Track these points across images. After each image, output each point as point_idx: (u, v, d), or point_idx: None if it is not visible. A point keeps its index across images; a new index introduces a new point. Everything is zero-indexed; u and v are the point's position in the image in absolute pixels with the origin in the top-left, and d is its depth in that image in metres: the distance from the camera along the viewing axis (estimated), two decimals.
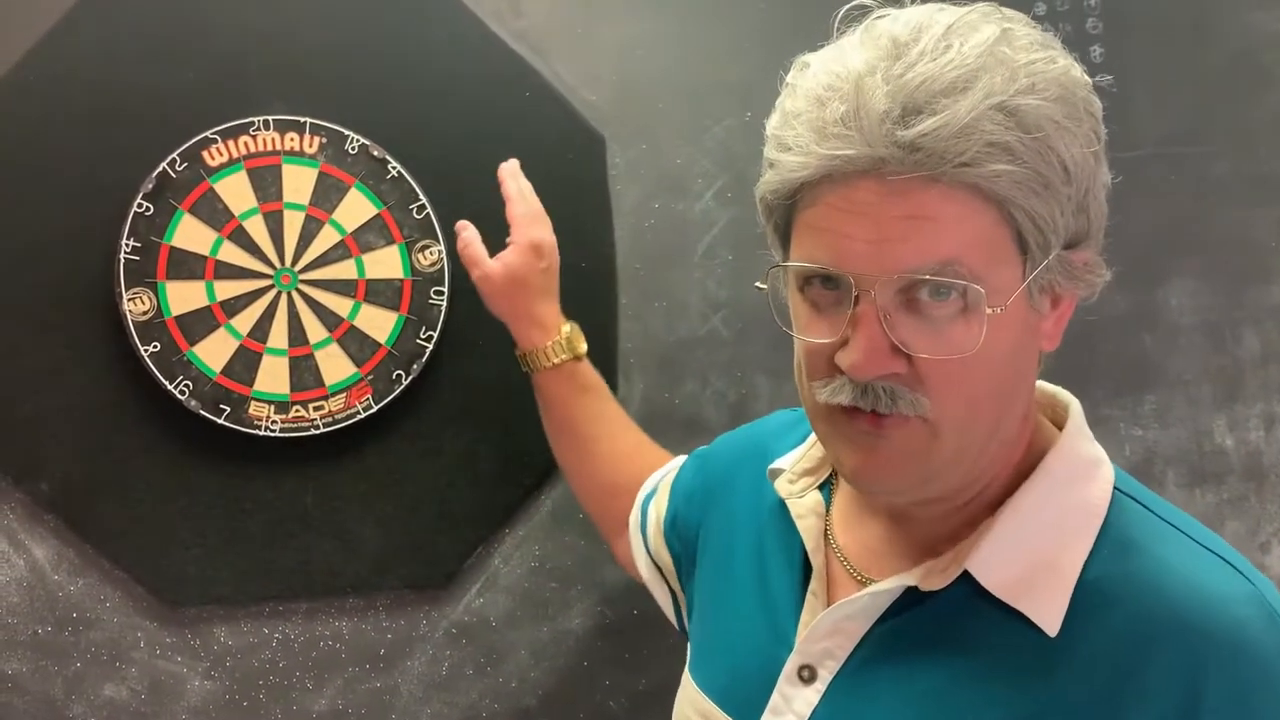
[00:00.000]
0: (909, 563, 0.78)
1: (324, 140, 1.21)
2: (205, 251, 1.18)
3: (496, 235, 1.26)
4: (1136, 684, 0.68)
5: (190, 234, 1.18)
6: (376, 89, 1.23)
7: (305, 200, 1.21)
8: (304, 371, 1.21)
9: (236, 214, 1.19)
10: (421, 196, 1.24)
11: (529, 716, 1.32)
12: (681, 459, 1.12)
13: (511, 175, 1.17)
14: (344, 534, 1.25)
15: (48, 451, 1.16)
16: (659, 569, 1.06)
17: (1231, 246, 1.52)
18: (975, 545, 0.73)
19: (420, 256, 1.24)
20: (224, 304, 1.19)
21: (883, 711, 0.75)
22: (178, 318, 1.18)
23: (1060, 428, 0.79)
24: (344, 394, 1.23)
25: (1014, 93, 0.66)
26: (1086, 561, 0.72)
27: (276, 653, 1.25)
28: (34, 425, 1.16)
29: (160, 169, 1.16)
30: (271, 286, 1.21)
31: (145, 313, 1.17)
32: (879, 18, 0.71)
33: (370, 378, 1.23)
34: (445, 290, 1.24)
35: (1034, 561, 0.72)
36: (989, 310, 0.68)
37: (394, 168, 1.23)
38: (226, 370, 1.19)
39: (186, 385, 1.18)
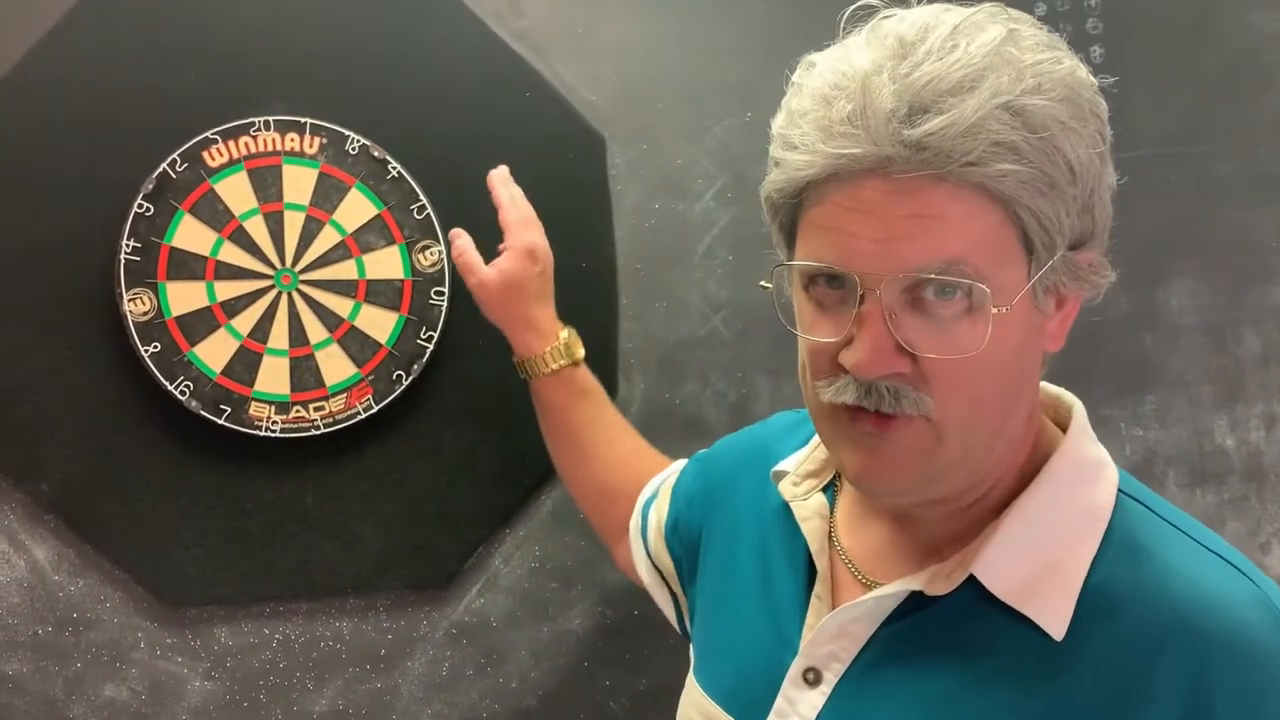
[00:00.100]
0: (913, 565, 0.77)
1: (324, 141, 1.21)
2: (206, 252, 1.18)
3: (496, 236, 1.26)
4: (1143, 688, 0.68)
5: (191, 234, 1.18)
6: (377, 89, 1.23)
7: (306, 201, 1.21)
8: (304, 372, 1.21)
9: (237, 214, 1.19)
10: (422, 197, 1.24)
11: (529, 717, 1.32)
12: (681, 463, 1.12)
13: (502, 182, 1.17)
14: (344, 534, 1.25)
15: (48, 452, 1.16)
16: (660, 573, 1.06)
17: (1232, 246, 1.52)
18: (980, 549, 0.73)
19: (420, 257, 1.24)
20: (224, 304, 1.19)
21: (888, 715, 0.75)
22: (178, 318, 1.18)
23: (1063, 429, 0.79)
24: (344, 394, 1.23)
25: (1020, 93, 0.66)
26: (1091, 565, 0.72)
27: (277, 653, 1.25)
28: (34, 425, 1.16)
29: (161, 169, 1.16)
30: (272, 287, 1.21)
31: (146, 313, 1.17)
32: (885, 18, 0.71)
33: (371, 378, 1.23)
34: (446, 290, 1.24)
35: (1039, 565, 0.72)
36: (994, 310, 0.68)
37: (394, 168, 1.23)
38: (227, 371, 1.19)
39: (187, 386, 1.18)
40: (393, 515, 1.26)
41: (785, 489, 0.87)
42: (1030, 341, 0.72)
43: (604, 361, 1.32)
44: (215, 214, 1.18)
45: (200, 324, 1.18)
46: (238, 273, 1.19)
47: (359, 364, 1.23)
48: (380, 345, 1.23)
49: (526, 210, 1.16)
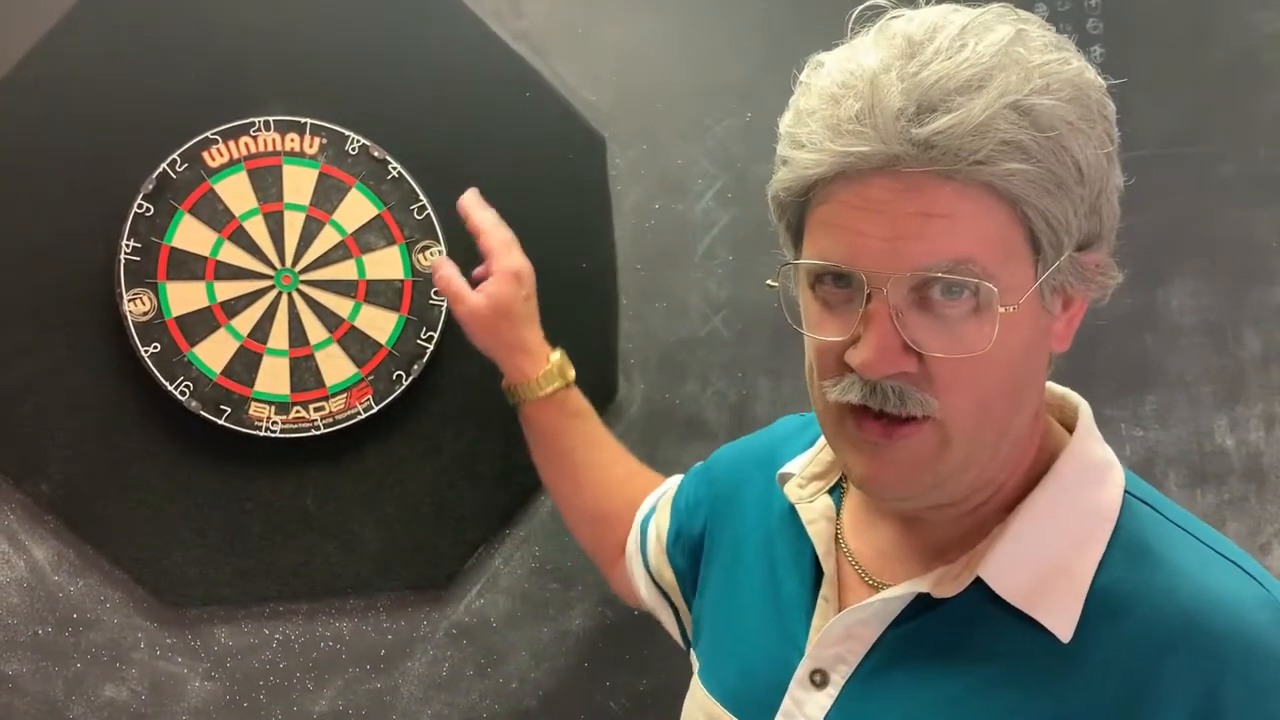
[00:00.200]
0: (920, 566, 0.77)
1: (324, 141, 1.21)
2: (206, 252, 1.18)
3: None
4: (1151, 690, 0.68)
5: (191, 235, 1.18)
6: (377, 90, 1.23)
7: (306, 201, 1.21)
8: (304, 372, 1.21)
9: (237, 215, 1.19)
10: (422, 197, 1.24)
11: (529, 717, 1.32)
12: (677, 478, 1.12)
13: (475, 206, 1.15)
14: (344, 535, 1.25)
15: (48, 452, 1.16)
16: (661, 589, 1.06)
17: (1232, 247, 1.52)
18: (987, 551, 0.73)
19: (421, 257, 1.24)
20: (224, 305, 1.19)
21: (895, 717, 0.75)
22: (178, 318, 1.18)
23: (1069, 429, 0.79)
24: (344, 394, 1.23)
25: (1028, 92, 0.66)
26: (1098, 567, 0.72)
27: (277, 653, 1.25)
28: (34, 425, 1.16)
29: (161, 169, 1.16)
30: (272, 287, 1.20)
31: (146, 313, 1.17)
32: (893, 18, 0.71)
33: (371, 378, 1.23)
34: None
35: (1046, 567, 0.72)
36: (1001, 309, 0.68)
37: (394, 168, 1.23)
38: (227, 371, 1.19)
39: (187, 386, 1.18)
40: (393, 515, 1.26)
41: (791, 491, 0.87)
42: (1037, 342, 0.72)
43: (604, 361, 1.32)
44: (215, 214, 1.18)
45: (200, 324, 1.18)
46: (238, 273, 1.19)
47: (359, 364, 1.23)
48: (380, 345, 1.23)
49: (506, 232, 1.14)
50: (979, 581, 0.73)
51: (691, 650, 0.97)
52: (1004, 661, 0.72)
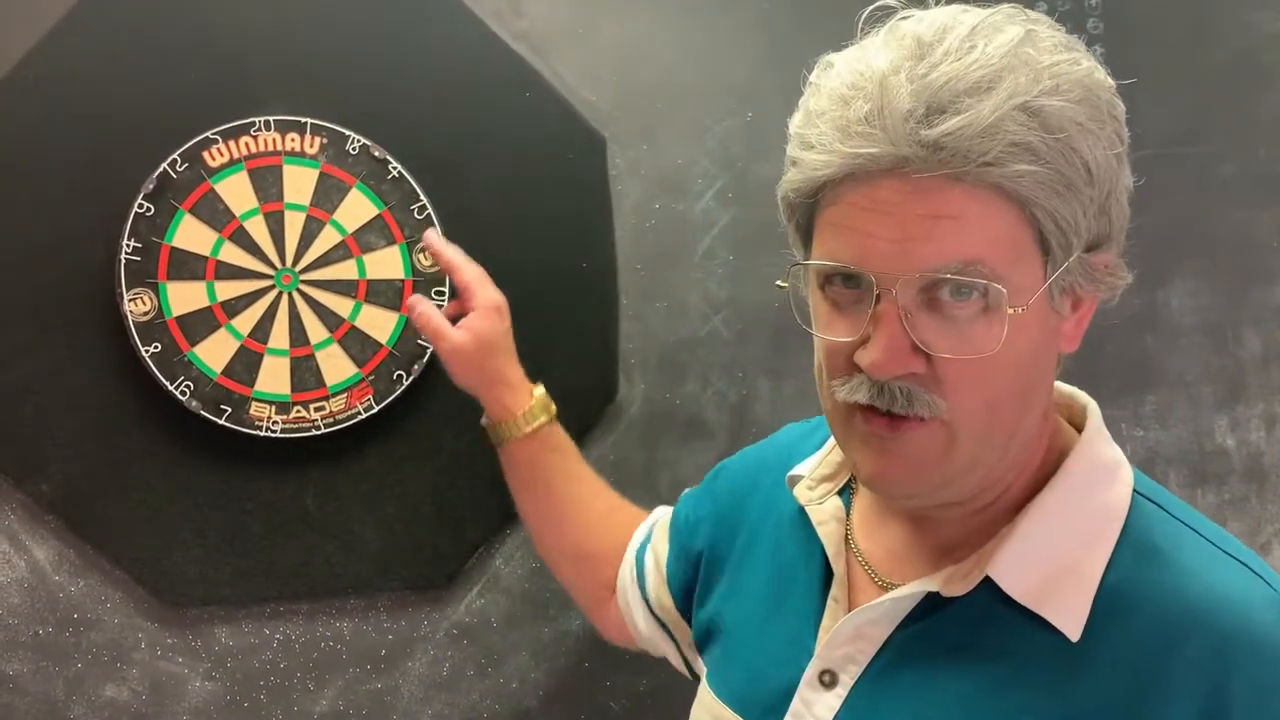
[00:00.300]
0: (930, 566, 0.78)
1: (325, 141, 1.21)
2: (206, 252, 1.18)
3: (497, 237, 1.26)
4: (1159, 688, 0.68)
5: (191, 234, 1.18)
6: (377, 90, 1.23)
7: (306, 201, 1.21)
8: (305, 372, 1.21)
9: (237, 214, 1.19)
10: (422, 197, 1.24)
11: (530, 717, 1.32)
12: (661, 509, 1.12)
13: (444, 243, 1.14)
14: (345, 535, 1.25)
15: (49, 452, 1.16)
16: (660, 621, 1.05)
17: (1233, 247, 1.52)
18: (997, 550, 0.73)
19: (421, 257, 1.24)
20: (225, 304, 1.19)
21: (905, 717, 0.75)
22: (179, 318, 1.18)
23: (1078, 428, 0.79)
24: (345, 394, 1.23)
25: (1038, 94, 0.66)
26: (1107, 566, 0.72)
27: (277, 653, 1.25)
28: (35, 426, 1.16)
29: (161, 169, 1.16)
30: (272, 287, 1.21)
31: (146, 313, 1.17)
32: (903, 19, 0.71)
33: (371, 378, 1.23)
34: (446, 291, 1.24)
35: (1055, 566, 0.72)
36: (1010, 310, 0.68)
37: (395, 168, 1.23)
38: (227, 371, 1.19)
39: (187, 386, 1.18)
40: (393, 515, 1.26)
41: (800, 493, 0.87)
42: (1046, 343, 0.72)
43: (604, 361, 1.32)
44: (216, 214, 1.18)
45: (201, 324, 1.18)
46: (238, 273, 1.19)
47: (359, 364, 1.23)
48: (381, 345, 1.23)
49: (478, 267, 1.13)
50: (988, 581, 0.73)
51: (697, 679, 0.97)
52: (1013, 660, 0.72)
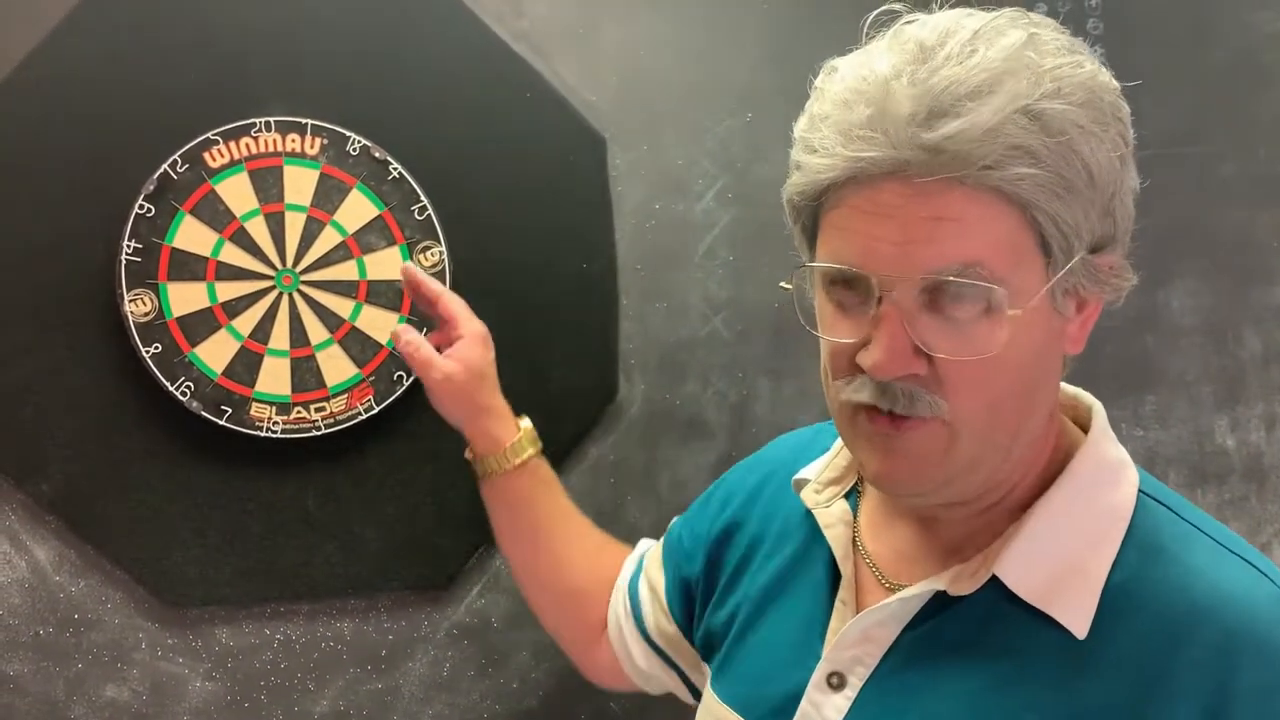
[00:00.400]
0: (937, 567, 0.78)
1: (325, 141, 1.21)
2: (206, 253, 1.18)
3: (497, 238, 1.26)
4: (1164, 685, 0.68)
5: (191, 235, 1.18)
6: (378, 90, 1.23)
7: (306, 201, 1.21)
8: (305, 373, 1.22)
9: (238, 215, 1.19)
10: (423, 197, 1.24)
11: (530, 717, 1.32)
12: (645, 541, 1.12)
13: (425, 276, 1.12)
14: (345, 535, 1.25)
15: (49, 453, 1.16)
16: (660, 652, 1.04)
17: (1233, 247, 1.52)
18: (1003, 549, 0.74)
19: (421, 258, 1.24)
20: (225, 305, 1.19)
21: (914, 717, 0.75)
22: (179, 319, 1.18)
23: (1083, 429, 0.79)
24: (345, 395, 1.23)
25: (1039, 97, 0.66)
26: (1113, 565, 0.72)
27: (278, 654, 1.25)
28: (35, 426, 1.16)
29: (162, 170, 1.16)
30: (273, 288, 1.21)
31: (147, 314, 1.17)
32: (908, 22, 0.72)
33: (371, 379, 1.23)
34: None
35: (1062, 565, 0.73)
36: (1011, 312, 0.68)
37: (395, 169, 1.23)
38: (228, 371, 1.19)
39: (188, 386, 1.18)
40: (394, 516, 1.26)
41: (808, 497, 0.87)
42: (1049, 344, 0.73)
43: (604, 362, 1.32)
44: (216, 215, 1.19)
45: (201, 325, 1.18)
46: (239, 273, 1.19)
47: (360, 365, 1.23)
48: (381, 346, 1.23)
49: (459, 298, 1.12)
50: (995, 580, 0.73)
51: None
52: (1019, 658, 0.73)
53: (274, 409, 1.21)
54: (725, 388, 1.37)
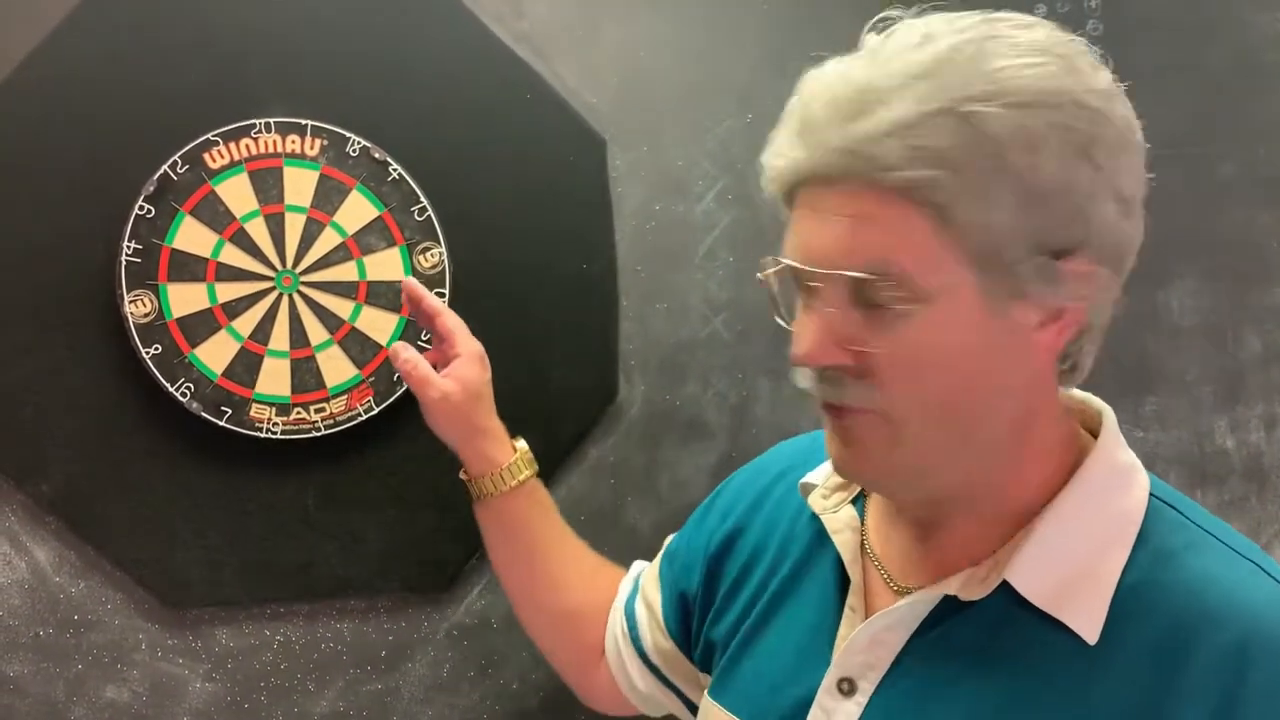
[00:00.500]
0: (946, 571, 0.78)
1: (325, 143, 1.21)
2: (206, 254, 1.18)
3: (497, 239, 1.26)
4: (1174, 690, 0.68)
5: (191, 236, 1.18)
6: (378, 91, 1.23)
7: (306, 202, 1.21)
8: (305, 373, 1.22)
9: (238, 216, 1.19)
10: (423, 198, 1.24)
11: (530, 718, 1.32)
12: (639, 563, 1.11)
13: (425, 291, 1.11)
14: (345, 536, 1.25)
15: (49, 454, 1.16)
16: (658, 673, 1.03)
17: (1233, 247, 1.52)
18: (1014, 554, 0.74)
19: (421, 258, 1.24)
20: (225, 306, 1.19)
21: None
22: (179, 320, 1.18)
23: (1093, 433, 0.79)
24: (345, 396, 1.23)
25: (964, 98, 0.66)
26: (1124, 569, 0.72)
27: (278, 655, 1.25)
28: (35, 427, 1.16)
29: (162, 171, 1.16)
30: (273, 289, 1.21)
31: (147, 315, 1.17)
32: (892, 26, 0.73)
33: (371, 379, 1.23)
34: (446, 292, 1.24)
35: (1073, 570, 0.73)
36: (914, 307, 0.69)
37: (395, 170, 1.23)
38: (228, 372, 1.19)
39: (188, 387, 1.18)
40: (394, 517, 1.26)
41: (815, 502, 0.87)
42: (1001, 350, 0.71)
43: (604, 362, 1.32)
44: (216, 216, 1.19)
45: (201, 326, 1.18)
46: (239, 274, 1.19)
47: (360, 365, 1.23)
48: (381, 347, 1.23)
49: (458, 317, 1.11)
50: (1005, 585, 0.73)
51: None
52: (1030, 663, 0.72)
53: (274, 410, 1.21)
54: (725, 389, 1.37)
